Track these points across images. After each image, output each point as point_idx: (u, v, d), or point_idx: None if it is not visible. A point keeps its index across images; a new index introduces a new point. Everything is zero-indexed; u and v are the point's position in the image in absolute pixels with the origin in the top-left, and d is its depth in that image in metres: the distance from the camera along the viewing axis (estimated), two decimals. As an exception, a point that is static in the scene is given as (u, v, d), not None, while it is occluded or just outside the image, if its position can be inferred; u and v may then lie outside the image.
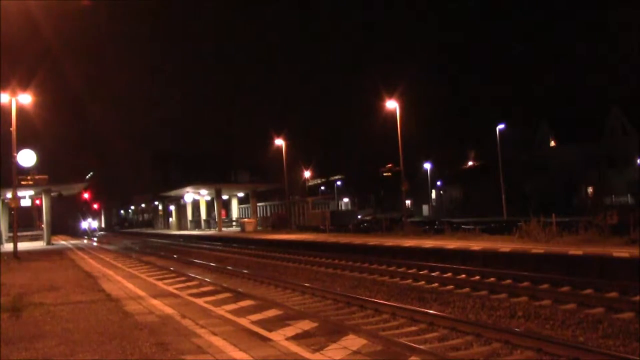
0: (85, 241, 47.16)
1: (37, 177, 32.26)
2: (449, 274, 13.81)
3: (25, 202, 36.79)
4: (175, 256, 24.93)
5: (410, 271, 14.80)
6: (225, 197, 58.18)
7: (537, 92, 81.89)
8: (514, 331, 7.69)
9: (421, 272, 14.39)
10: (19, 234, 25.90)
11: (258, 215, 54.28)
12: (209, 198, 57.52)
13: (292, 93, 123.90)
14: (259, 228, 45.83)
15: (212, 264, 19.89)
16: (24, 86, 24.33)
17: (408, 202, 57.81)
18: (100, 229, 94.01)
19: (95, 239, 56.03)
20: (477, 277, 13.00)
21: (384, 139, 48.44)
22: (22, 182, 30.20)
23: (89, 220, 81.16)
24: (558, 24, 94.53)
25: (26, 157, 28.12)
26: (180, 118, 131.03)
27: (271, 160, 53.39)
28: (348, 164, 77.82)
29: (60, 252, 27.04)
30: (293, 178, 57.29)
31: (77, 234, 72.61)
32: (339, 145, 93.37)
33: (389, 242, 21.26)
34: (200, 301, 10.07)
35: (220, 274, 17.19)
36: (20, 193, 29.78)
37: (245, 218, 52.83)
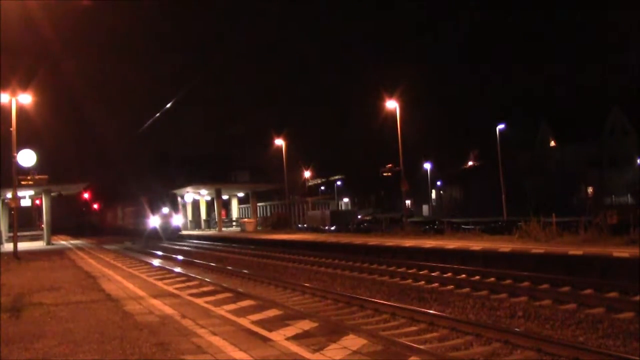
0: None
1: (37, 177, 32.22)
2: (449, 274, 13.81)
3: (25, 202, 36.77)
4: (175, 256, 24.92)
5: (410, 271, 14.80)
6: (225, 197, 58.18)
7: (537, 92, 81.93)
8: (514, 331, 7.69)
9: (421, 272, 14.39)
10: (19, 234, 25.88)
11: (258, 215, 54.29)
12: (209, 198, 57.50)
13: (292, 93, 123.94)
14: (259, 228, 45.82)
15: (212, 263, 19.88)
16: (24, 86, 24.32)
17: (408, 202, 57.82)
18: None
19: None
20: (477, 277, 13.01)
21: (383, 139, 48.46)
22: (22, 182, 30.17)
23: (165, 213, 42.30)
24: (558, 23, 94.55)
25: (26, 157, 28.07)
26: (181, 118, 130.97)
27: (271, 160, 53.41)
28: (348, 164, 77.81)
29: (60, 252, 27.03)
30: (293, 178, 57.26)
31: (135, 234, 43.60)
32: (339, 145, 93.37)
33: (389, 242, 21.25)
34: (200, 301, 10.07)
35: (220, 273, 17.19)
36: (20, 193, 29.77)
37: (245, 218, 52.84)
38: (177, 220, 44.65)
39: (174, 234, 42.53)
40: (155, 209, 42.75)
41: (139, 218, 45.41)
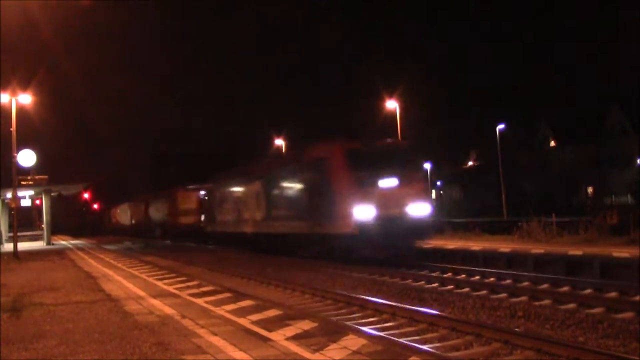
0: None
1: (37, 177, 32.29)
2: (449, 274, 13.81)
3: (25, 202, 36.77)
4: (175, 256, 24.88)
5: (410, 271, 14.80)
6: (225, 197, 58.00)
7: (537, 92, 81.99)
8: (514, 331, 7.69)
9: (421, 272, 14.39)
10: (19, 234, 25.89)
11: (258, 215, 54.02)
12: (208, 198, 57.24)
13: (292, 92, 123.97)
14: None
15: (212, 264, 19.86)
16: (24, 86, 24.37)
17: (408, 202, 57.60)
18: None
19: None
20: (477, 277, 13.01)
21: (383, 139, 48.31)
22: (22, 182, 30.24)
23: (392, 188, 15.81)
24: (558, 23, 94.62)
25: (26, 157, 28.08)
26: (180, 118, 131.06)
27: (271, 160, 53.20)
28: (348, 163, 77.55)
29: (60, 252, 27.05)
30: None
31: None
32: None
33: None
34: (200, 301, 10.07)
35: (220, 273, 17.18)
36: (20, 193, 29.77)
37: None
38: (421, 209, 16.82)
39: (418, 237, 16.84)
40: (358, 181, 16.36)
41: (290, 208, 20.44)
